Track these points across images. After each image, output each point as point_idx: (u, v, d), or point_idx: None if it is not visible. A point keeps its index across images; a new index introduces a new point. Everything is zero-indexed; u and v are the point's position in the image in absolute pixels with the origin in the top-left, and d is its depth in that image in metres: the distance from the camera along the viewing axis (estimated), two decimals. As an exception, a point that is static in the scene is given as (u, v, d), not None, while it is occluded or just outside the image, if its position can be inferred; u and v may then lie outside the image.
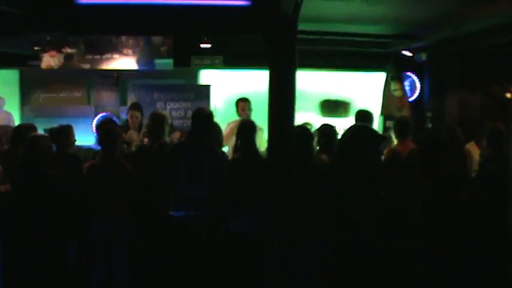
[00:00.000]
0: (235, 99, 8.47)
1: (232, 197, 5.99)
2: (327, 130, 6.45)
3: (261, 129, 6.84)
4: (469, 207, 6.45)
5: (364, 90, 10.41)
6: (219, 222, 5.93)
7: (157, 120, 6.61)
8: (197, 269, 5.87)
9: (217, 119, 8.99)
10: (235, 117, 8.25)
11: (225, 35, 8.52)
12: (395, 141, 6.89)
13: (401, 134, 6.76)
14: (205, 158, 5.93)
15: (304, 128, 6.33)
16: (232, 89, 9.77)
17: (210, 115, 6.27)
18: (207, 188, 5.88)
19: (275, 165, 5.41)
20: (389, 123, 9.19)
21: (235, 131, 6.49)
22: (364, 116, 7.42)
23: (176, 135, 7.56)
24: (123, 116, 8.75)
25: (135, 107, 8.40)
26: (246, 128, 6.32)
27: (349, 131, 5.77)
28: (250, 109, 8.23)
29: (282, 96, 5.37)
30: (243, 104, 8.32)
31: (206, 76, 10.12)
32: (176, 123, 9.18)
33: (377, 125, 8.74)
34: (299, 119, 9.08)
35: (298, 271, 5.52)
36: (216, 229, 5.90)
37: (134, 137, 7.51)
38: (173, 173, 6.01)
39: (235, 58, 9.45)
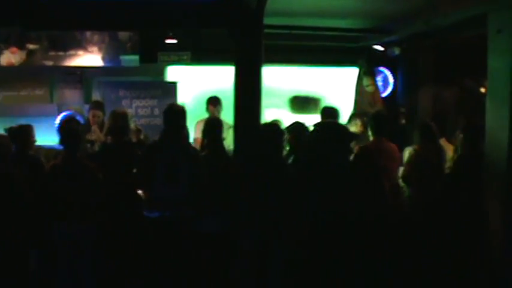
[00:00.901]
0: (206, 98, 8.53)
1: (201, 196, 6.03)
2: (296, 127, 6.50)
3: (230, 126, 6.88)
4: (442, 205, 6.59)
5: (336, 86, 10.48)
6: (193, 223, 5.96)
7: (119, 118, 6.62)
8: (171, 270, 5.89)
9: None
10: (204, 115, 8.28)
11: (189, 30, 8.53)
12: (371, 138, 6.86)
13: (377, 130, 6.70)
14: (182, 157, 5.92)
15: (273, 125, 6.35)
16: (201, 86, 9.77)
17: (182, 111, 6.21)
18: (184, 187, 5.87)
19: (241, 163, 5.45)
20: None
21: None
22: (330, 113, 7.42)
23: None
24: (87, 115, 8.73)
25: (96, 105, 8.37)
26: (212, 126, 6.35)
27: (317, 128, 5.84)
28: (220, 107, 8.31)
29: (248, 93, 5.44)
30: (213, 102, 8.40)
31: (173, 73, 10.10)
32: (142, 121, 9.20)
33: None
34: (269, 116, 9.22)
35: (269, 271, 5.58)
36: (191, 230, 5.91)
37: (97, 136, 7.50)
38: (148, 172, 5.98)
39: (203, 54, 9.40)
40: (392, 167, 6.57)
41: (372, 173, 6.32)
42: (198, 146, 6.96)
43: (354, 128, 7.93)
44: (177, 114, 6.12)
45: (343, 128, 6.11)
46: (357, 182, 5.99)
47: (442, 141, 7.52)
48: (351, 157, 6.30)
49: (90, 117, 8.14)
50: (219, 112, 8.29)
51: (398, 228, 6.33)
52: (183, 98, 9.51)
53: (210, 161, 6.10)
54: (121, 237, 6.20)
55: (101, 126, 7.88)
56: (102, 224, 6.01)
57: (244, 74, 5.48)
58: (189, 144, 6.26)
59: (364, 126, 7.58)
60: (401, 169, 6.83)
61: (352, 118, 8.18)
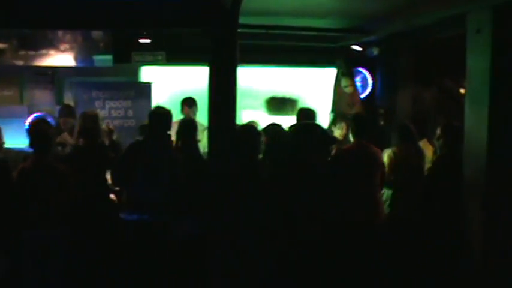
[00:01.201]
0: (181, 99, 8.47)
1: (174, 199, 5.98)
2: (273, 129, 6.46)
3: (205, 128, 6.84)
4: (423, 207, 6.60)
5: (313, 87, 10.49)
6: (171, 226, 5.91)
7: (89, 119, 6.54)
8: (149, 274, 5.83)
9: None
10: (179, 116, 8.21)
11: (163, 30, 8.47)
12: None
13: (357, 133, 6.54)
14: (164, 159, 5.89)
15: (249, 126, 6.36)
16: (176, 87, 9.73)
17: (167, 114, 6.20)
18: (164, 190, 5.83)
19: (216, 166, 5.41)
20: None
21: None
22: (307, 114, 7.38)
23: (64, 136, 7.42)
24: (58, 119, 8.61)
25: (67, 113, 8.22)
26: (186, 127, 6.33)
27: (295, 130, 5.80)
28: (196, 109, 8.26)
29: (223, 93, 5.39)
30: (188, 103, 8.34)
31: (148, 73, 10.05)
32: (116, 123, 9.12)
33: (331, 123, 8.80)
34: (245, 118, 9.20)
35: (244, 274, 5.54)
36: (169, 233, 5.86)
37: (68, 138, 7.40)
38: (127, 172, 5.93)
39: (178, 54, 9.37)
40: (373, 171, 6.47)
41: (350, 177, 6.28)
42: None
43: (339, 131, 7.98)
44: (161, 116, 6.11)
45: (323, 130, 6.07)
46: (335, 186, 5.98)
47: (423, 143, 7.54)
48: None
49: (61, 123, 8.03)
50: (194, 113, 8.25)
51: (380, 232, 6.32)
52: (157, 99, 9.44)
53: (184, 163, 6.05)
54: (95, 242, 6.11)
55: (71, 129, 7.77)
56: (74, 229, 5.92)
57: (219, 75, 5.44)
58: (171, 146, 6.19)
59: (348, 130, 7.56)
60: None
61: (336, 121, 8.18)
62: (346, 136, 7.71)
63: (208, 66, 5.69)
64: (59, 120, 8.20)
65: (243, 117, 9.44)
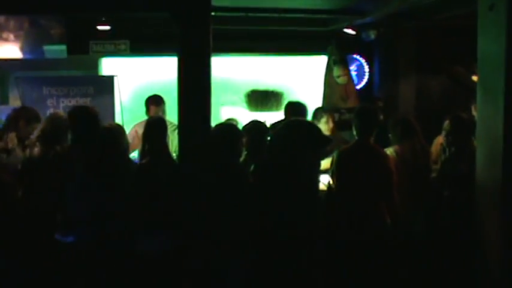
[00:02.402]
0: (148, 95, 8.37)
1: (140, 211, 5.91)
2: (255, 128, 6.42)
3: (175, 127, 6.77)
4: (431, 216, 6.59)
5: (301, 77, 10.50)
6: (125, 242, 5.83)
7: (57, 124, 6.47)
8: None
9: (124, 117, 8.98)
10: (144, 116, 8.17)
11: (124, 14, 8.41)
12: None
13: (362, 130, 6.25)
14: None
15: (228, 125, 6.30)
16: (142, 81, 9.70)
17: (94, 115, 6.22)
18: (103, 203, 5.72)
19: (187, 172, 5.36)
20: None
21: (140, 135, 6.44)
22: (296, 109, 7.35)
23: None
24: (2, 117, 8.50)
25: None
26: (154, 127, 6.25)
27: (282, 129, 5.73)
28: (164, 107, 8.14)
29: (195, 87, 5.34)
30: (155, 101, 8.22)
31: (109, 66, 10.03)
32: (72, 125, 9.02)
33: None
34: (223, 115, 9.15)
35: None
36: (117, 251, 5.78)
37: (14, 142, 7.28)
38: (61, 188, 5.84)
39: (144, 43, 9.36)
40: (380, 180, 6.23)
41: (350, 186, 6.19)
42: (132, 148, 6.87)
43: (324, 127, 7.81)
44: (88, 118, 6.15)
45: (317, 129, 5.92)
46: (337, 196, 5.92)
47: (438, 140, 7.46)
48: (330, 164, 6.21)
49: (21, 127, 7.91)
50: (163, 113, 8.13)
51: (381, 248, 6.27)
52: (121, 95, 9.37)
53: (152, 170, 5.98)
54: (33, 269, 6.02)
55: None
56: (11, 252, 5.82)
57: (190, 66, 5.39)
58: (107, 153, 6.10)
59: (335, 124, 7.50)
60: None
61: (317, 114, 8.05)
62: (334, 130, 7.63)
63: (177, 56, 5.63)
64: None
65: (221, 114, 9.40)
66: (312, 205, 5.49)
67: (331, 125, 7.85)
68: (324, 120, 7.82)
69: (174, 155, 6.77)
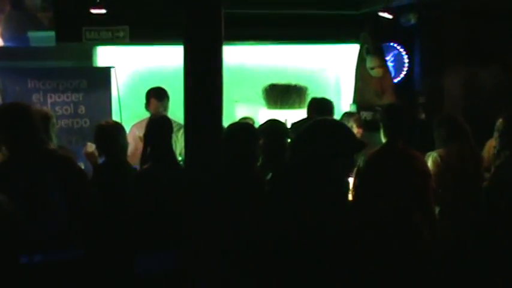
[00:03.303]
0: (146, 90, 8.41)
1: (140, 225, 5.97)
2: (273, 128, 6.46)
3: (181, 127, 6.81)
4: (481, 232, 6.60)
5: (328, 70, 10.53)
6: (122, 262, 5.90)
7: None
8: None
9: (123, 115, 9.02)
10: (145, 114, 8.26)
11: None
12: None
13: (391, 131, 6.38)
14: (49, 176, 5.56)
15: (243, 125, 6.36)
16: (143, 73, 9.76)
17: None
18: (55, 218, 5.59)
19: (195, 180, 5.39)
20: (366, 114, 9.30)
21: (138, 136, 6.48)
22: (320, 107, 7.39)
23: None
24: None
25: None
26: (158, 127, 6.31)
27: (307, 130, 5.73)
28: (167, 102, 8.19)
29: (204, 81, 5.35)
30: (158, 95, 8.27)
31: (105, 56, 10.11)
32: (62, 123, 9.06)
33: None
34: (238, 113, 9.19)
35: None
36: (113, 272, 5.84)
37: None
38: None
39: (146, 29, 9.40)
40: (415, 186, 6.26)
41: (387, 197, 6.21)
42: (136, 158, 6.89)
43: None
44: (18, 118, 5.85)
45: (348, 131, 5.88)
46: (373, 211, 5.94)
47: (491, 143, 7.46)
48: (355, 171, 6.23)
49: None
50: (165, 109, 8.16)
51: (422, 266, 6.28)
52: (120, 90, 9.40)
53: (155, 177, 6.05)
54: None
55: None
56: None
57: (199, 56, 5.39)
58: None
59: (362, 127, 7.50)
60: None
61: (344, 118, 8.09)
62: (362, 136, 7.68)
63: (184, 44, 5.67)
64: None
65: (235, 112, 9.44)
66: (341, 220, 5.47)
67: (356, 131, 7.84)
68: (349, 125, 7.85)
69: (179, 159, 6.84)
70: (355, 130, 7.85)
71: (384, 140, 6.44)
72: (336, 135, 5.30)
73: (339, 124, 5.76)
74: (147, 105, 8.24)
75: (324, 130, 5.41)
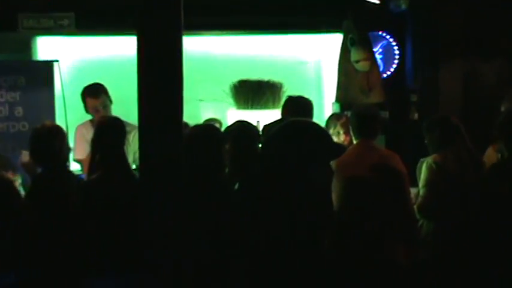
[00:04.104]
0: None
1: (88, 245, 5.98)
2: (241, 130, 6.49)
3: (134, 130, 6.81)
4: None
5: (307, 64, 10.57)
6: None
7: None
8: None
9: (68, 116, 9.01)
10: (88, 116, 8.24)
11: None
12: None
13: (359, 130, 6.64)
14: None
15: (207, 127, 6.47)
16: (92, 68, 9.78)
17: None
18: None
19: (151, 189, 5.40)
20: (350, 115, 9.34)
21: (88, 138, 6.47)
22: (297, 106, 7.43)
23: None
24: None
25: None
26: (106, 132, 6.31)
27: (280, 132, 5.77)
28: (108, 100, 8.08)
29: (160, 77, 5.36)
30: (91, 93, 8.15)
31: (47, 47, 10.09)
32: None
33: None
34: (203, 114, 9.23)
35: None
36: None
37: None
38: None
39: (95, 17, 9.41)
40: (388, 189, 6.40)
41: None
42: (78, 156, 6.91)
43: (335, 138, 7.89)
44: None
45: (326, 134, 5.96)
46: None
47: (491, 151, 7.52)
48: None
49: None
50: (105, 106, 8.04)
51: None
52: (64, 87, 9.38)
53: (106, 188, 6.08)
54: None
55: None
56: None
57: (155, 48, 5.42)
58: None
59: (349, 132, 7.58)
60: (412, 192, 6.81)
61: (330, 121, 8.14)
62: (350, 142, 7.74)
63: (137, 35, 5.68)
64: None
65: (200, 113, 9.47)
66: (317, 233, 5.53)
67: (343, 136, 7.92)
68: (336, 129, 7.93)
69: (133, 167, 6.83)
70: (342, 137, 7.93)
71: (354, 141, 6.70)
72: (310, 139, 5.37)
73: (314, 126, 5.82)
74: (85, 107, 8.15)
75: (296, 133, 5.48)
